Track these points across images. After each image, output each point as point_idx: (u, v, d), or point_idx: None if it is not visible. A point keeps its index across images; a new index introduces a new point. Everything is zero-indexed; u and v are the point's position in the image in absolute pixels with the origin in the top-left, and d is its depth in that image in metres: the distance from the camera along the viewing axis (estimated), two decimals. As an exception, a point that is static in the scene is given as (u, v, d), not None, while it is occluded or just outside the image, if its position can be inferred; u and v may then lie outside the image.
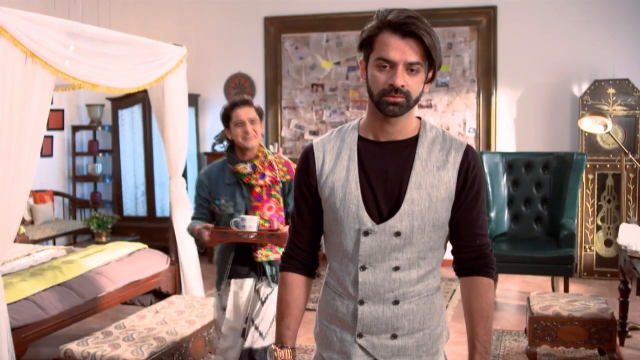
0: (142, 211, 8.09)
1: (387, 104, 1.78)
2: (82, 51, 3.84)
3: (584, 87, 6.73)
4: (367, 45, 1.82)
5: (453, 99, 7.23)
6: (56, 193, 8.01)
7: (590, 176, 6.51)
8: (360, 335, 1.89)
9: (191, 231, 3.31)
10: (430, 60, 1.80)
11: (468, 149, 1.89)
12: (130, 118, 8.03)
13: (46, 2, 7.05)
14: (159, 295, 5.11)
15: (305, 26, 7.61)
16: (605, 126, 4.89)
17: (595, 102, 6.47)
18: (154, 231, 7.60)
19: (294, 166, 3.06)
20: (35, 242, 6.78)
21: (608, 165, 6.49)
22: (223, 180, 3.29)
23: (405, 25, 1.75)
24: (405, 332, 1.88)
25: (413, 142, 1.88)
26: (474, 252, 1.92)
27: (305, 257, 2.00)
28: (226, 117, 3.27)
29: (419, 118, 1.93)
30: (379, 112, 1.82)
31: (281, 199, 3.28)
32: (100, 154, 8.29)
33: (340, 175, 1.87)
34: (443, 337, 1.97)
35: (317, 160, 1.92)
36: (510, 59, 7.00)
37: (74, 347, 3.65)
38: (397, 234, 1.82)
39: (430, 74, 1.85)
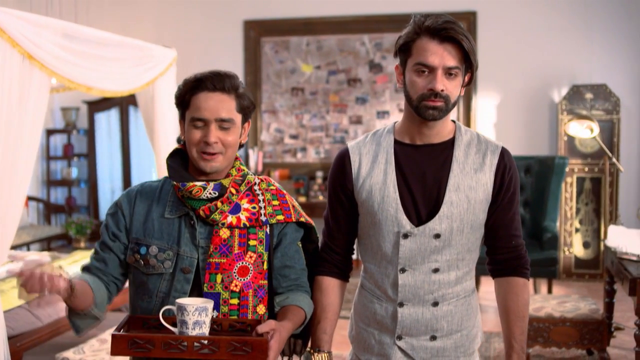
0: (119, 216, 7.96)
1: (426, 108, 1.80)
2: (77, 53, 3.77)
3: (563, 92, 6.86)
4: (404, 51, 1.84)
5: (433, 103, 7.29)
6: (30, 198, 7.84)
7: (569, 179, 6.63)
8: (399, 337, 1.90)
9: None
10: (467, 63, 1.82)
11: (504, 151, 1.91)
12: (107, 121, 7.92)
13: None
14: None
15: (285, 30, 7.59)
16: (592, 130, 4.98)
17: (573, 107, 6.60)
18: (132, 236, 7.47)
19: (291, 201, 1.96)
20: (11, 248, 6.61)
21: (586, 169, 6.61)
22: (159, 211, 1.89)
23: (444, 30, 1.77)
24: (444, 333, 1.90)
25: (449, 144, 1.90)
26: (509, 252, 1.94)
27: (340, 260, 2.00)
28: (181, 102, 1.89)
29: (453, 121, 1.95)
30: (416, 115, 1.84)
31: (265, 256, 1.88)
32: (75, 158, 8.13)
33: (378, 179, 1.88)
34: (478, 338, 1.99)
35: (353, 164, 1.92)
36: (489, 64, 7.08)
37: (71, 355, 3.57)
38: (437, 236, 1.83)
39: (466, 78, 1.87)
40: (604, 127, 6.52)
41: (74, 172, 8.08)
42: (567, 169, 6.50)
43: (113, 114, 7.87)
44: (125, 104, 7.65)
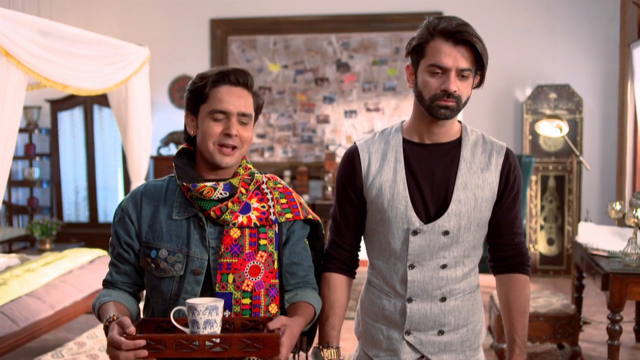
0: (83, 217, 7.83)
1: (439, 107, 1.83)
2: (52, 50, 3.70)
3: (527, 92, 7.01)
4: (417, 52, 1.86)
5: (400, 102, 7.37)
6: (-10, 199, 7.63)
7: (534, 178, 6.78)
8: (408, 333, 1.92)
9: (98, 315, 1.85)
10: (477, 65, 1.86)
11: (508, 151, 1.96)
12: (71, 120, 7.75)
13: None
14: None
15: (252, 29, 7.56)
16: (561, 129, 5.11)
17: (538, 107, 6.75)
18: (98, 237, 7.37)
19: (298, 198, 1.95)
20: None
21: (550, 167, 6.77)
22: (166, 213, 1.86)
23: (458, 33, 1.81)
24: (451, 328, 1.93)
25: (456, 144, 1.94)
26: (512, 250, 1.99)
27: (348, 257, 2.01)
28: (198, 95, 1.83)
29: (459, 122, 1.99)
30: (427, 115, 1.87)
31: (275, 255, 1.87)
32: (37, 158, 7.95)
33: (388, 177, 1.90)
34: (483, 333, 2.03)
35: (362, 162, 1.94)
36: (455, 65, 7.18)
37: (49, 358, 3.51)
38: (446, 232, 1.87)
39: (476, 79, 1.90)
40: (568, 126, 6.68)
41: (36, 172, 7.90)
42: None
43: (77, 113, 7.71)
44: (89, 102, 7.52)
